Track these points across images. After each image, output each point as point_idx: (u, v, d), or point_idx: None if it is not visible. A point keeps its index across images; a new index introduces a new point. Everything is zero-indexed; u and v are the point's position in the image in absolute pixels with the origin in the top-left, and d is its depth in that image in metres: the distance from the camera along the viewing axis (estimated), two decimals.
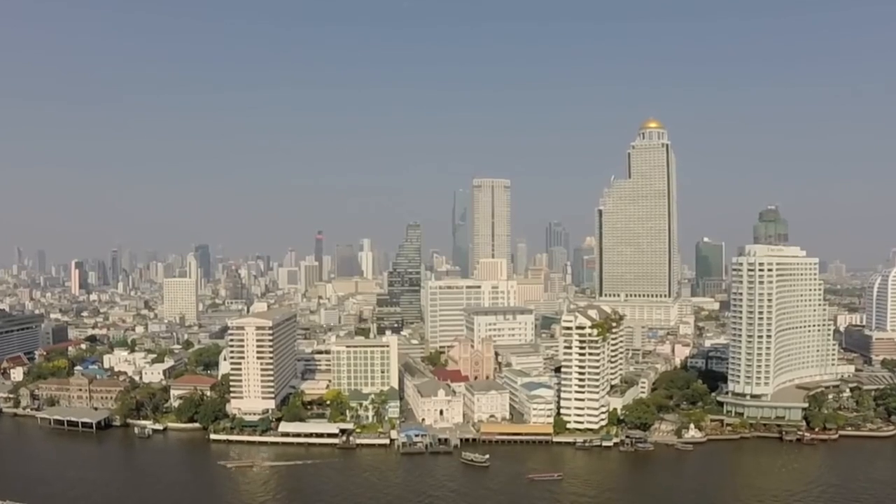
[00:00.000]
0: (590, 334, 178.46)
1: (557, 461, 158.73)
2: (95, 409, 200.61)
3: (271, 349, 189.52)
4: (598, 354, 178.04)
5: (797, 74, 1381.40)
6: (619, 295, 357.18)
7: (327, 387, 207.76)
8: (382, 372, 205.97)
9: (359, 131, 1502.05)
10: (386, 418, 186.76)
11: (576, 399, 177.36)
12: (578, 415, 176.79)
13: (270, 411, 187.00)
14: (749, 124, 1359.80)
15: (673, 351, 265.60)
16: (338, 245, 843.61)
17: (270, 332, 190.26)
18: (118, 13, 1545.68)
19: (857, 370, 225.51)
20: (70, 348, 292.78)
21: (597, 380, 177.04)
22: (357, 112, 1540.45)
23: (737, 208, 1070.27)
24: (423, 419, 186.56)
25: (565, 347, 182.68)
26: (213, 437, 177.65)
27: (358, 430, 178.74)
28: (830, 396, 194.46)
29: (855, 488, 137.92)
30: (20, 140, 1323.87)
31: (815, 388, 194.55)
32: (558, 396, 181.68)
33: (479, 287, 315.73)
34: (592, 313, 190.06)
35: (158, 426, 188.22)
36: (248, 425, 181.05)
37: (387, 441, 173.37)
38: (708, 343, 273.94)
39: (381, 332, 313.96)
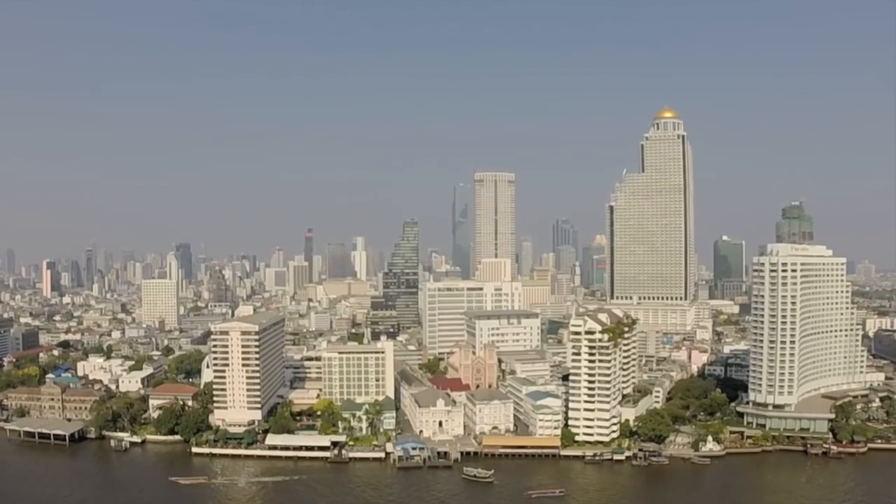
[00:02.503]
0: (600, 340, 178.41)
1: (565, 476, 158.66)
2: (68, 420, 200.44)
3: (258, 356, 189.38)
4: (608, 361, 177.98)
5: (824, 61, 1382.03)
6: (631, 297, 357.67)
7: (318, 396, 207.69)
8: (377, 380, 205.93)
9: (352, 122, 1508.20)
10: (381, 430, 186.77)
11: (585, 409, 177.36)
12: (588, 426, 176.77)
13: (257, 423, 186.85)
14: (772, 114, 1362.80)
15: (689, 358, 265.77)
16: (329, 244, 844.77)
17: (257, 337, 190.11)
18: None
19: (887, 378, 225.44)
20: (41, 355, 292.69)
21: (607, 389, 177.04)
22: (349, 101, 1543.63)
23: (758, 204, 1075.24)
24: (421, 431, 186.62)
25: (574, 354, 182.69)
26: (194, 450, 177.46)
27: (351, 443, 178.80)
28: (859, 407, 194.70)
29: None
30: None
31: (843, 397, 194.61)
32: (566, 407, 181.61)
33: (481, 289, 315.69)
34: (603, 317, 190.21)
35: (136, 439, 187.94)
36: (232, 438, 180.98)
37: (382, 455, 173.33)
38: (727, 349, 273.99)
39: (375, 337, 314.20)
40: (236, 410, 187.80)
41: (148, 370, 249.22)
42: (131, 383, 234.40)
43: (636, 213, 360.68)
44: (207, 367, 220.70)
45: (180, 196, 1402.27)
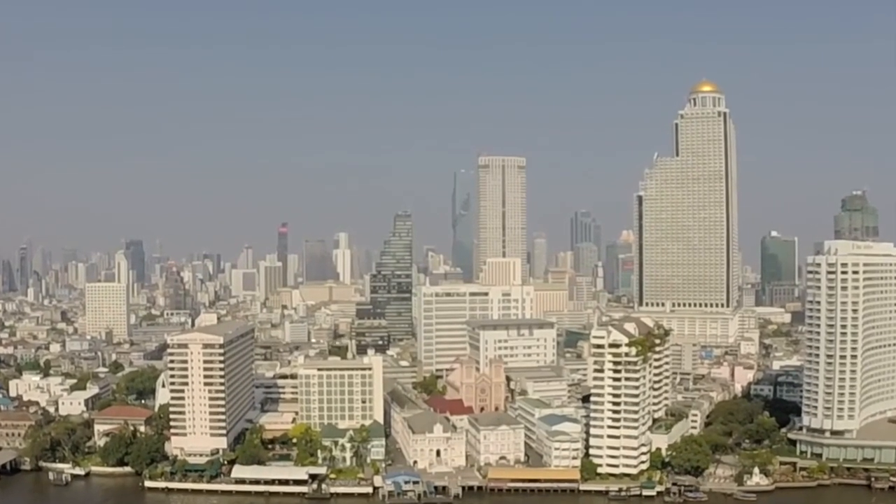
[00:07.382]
0: (627, 354, 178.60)
1: None
2: None
3: (222, 373, 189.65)
4: (637, 380, 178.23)
5: (891, 24, 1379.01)
6: (663, 304, 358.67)
7: (293, 421, 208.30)
8: (363, 402, 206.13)
9: (334, 97, 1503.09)
10: (368, 461, 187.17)
11: (609, 437, 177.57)
12: (612, 456, 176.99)
13: (221, 452, 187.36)
14: (831, 88, 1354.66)
15: (732, 375, 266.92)
16: (307, 241, 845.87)
17: (221, 351, 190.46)
18: None
19: None
20: None
21: (635, 412, 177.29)
22: (332, 73, 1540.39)
23: (814, 194, 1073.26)
24: (415, 462, 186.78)
25: (596, 371, 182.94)
26: (148, 484, 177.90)
27: (332, 476, 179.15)
28: None
29: None
30: None
31: None
32: (587, 433, 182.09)
33: (486, 294, 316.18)
34: (630, 327, 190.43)
35: (79, 471, 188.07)
36: (192, 469, 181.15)
37: (369, 489, 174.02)
38: (777, 365, 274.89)
39: (361, 351, 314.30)
40: (197, 437, 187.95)
41: (93, 390, 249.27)
42: (73, 405, 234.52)
43: (669, 205, 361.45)
44: (163, 386, 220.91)
45: (131, 185, 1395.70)
